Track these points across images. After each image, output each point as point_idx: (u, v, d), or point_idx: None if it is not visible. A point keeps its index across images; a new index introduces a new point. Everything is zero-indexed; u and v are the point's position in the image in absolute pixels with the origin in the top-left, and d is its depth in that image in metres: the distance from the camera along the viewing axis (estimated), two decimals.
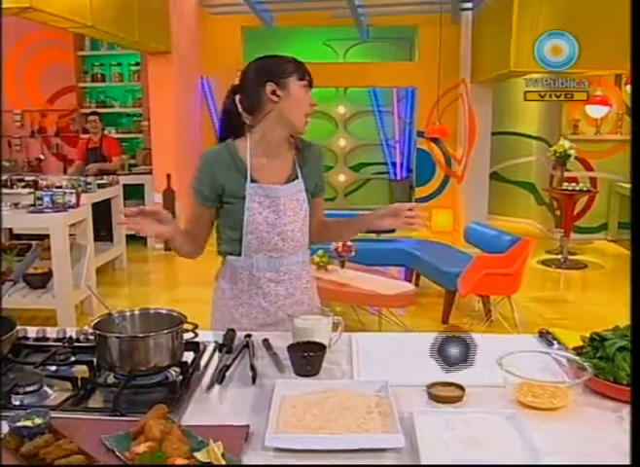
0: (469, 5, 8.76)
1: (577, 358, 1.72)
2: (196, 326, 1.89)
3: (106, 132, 9.09)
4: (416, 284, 6.24)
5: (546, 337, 2.08)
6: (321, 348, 1.82)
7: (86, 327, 1.81)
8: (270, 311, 2.27)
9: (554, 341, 2.02)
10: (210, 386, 1.72)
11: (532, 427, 1.46)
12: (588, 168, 9.03)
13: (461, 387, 1.66)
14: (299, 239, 2.24)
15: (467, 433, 1.45)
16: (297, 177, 2.23)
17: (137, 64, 9.30)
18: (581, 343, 1.85)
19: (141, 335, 1.75)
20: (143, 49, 8.13)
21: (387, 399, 1.58)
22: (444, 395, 1.64)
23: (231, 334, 2.04)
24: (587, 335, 1.84)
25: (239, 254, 2.24)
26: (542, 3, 6.89)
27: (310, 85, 2.14)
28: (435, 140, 10.07)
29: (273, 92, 2.09)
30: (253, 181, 2.17)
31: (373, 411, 1.54)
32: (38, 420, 1.42)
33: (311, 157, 2.29)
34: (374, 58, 11.06)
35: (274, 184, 2.18)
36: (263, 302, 2.26)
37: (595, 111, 8.75)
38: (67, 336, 2.01)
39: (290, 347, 1.83)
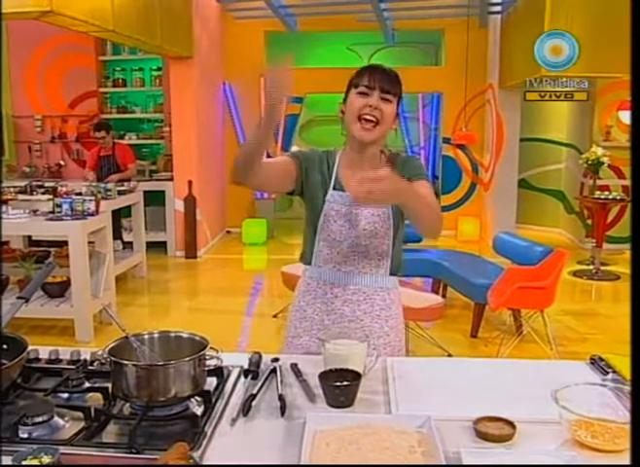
0: (497, 9, 8.60)
1: None
2: (219, 351, 1.74)
3: (126, 139, 9.08)
4: (443, 295, 6.08)
5: (598, 364, 1.90)
6: (356, 377, 1.66)
7: (100, 351, 1.67)
8: (332, 332, 2.00)
9: (609, 370, 1.84)
10: (235, 419, 1.57)
11: None
12: (621, 176, 8.80)
13: (511, 423, 1.50)
14: (374, 258, 2.12)
15: None
16: None
17: (159, 69, 9.23)
18: None
19: (160, 363, 1.61)
20: (165, 53, 8.05)
21: (430, 436, 1.43)
22: (494, 433, 1.48)
23: (256, 357, 1.90)
24: None
25: (311, 262, 2.16)
26: (574, 7, 6.76)
27: (370, 88, 2.01)
28: (461, 147, 9.93)
29: (341, 109, 2.11)
30: (336, 189, 2.12)
31: (416, 450, 1.39)
32: (46, 459, 1.29)
33: (401, 166, 2.12)
34: (399, 63, 10.88)
35: None
36: (326, 319, 2.15)
37: (629, 117, 8.51)
38: (81, 358, 1.88)
39: (322, 376, 1.68)
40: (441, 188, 10.45)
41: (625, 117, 8.63)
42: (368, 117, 2.00)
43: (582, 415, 1.46)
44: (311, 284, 2.17)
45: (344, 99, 2.09)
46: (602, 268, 7.64)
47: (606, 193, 7.66)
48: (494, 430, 1.49)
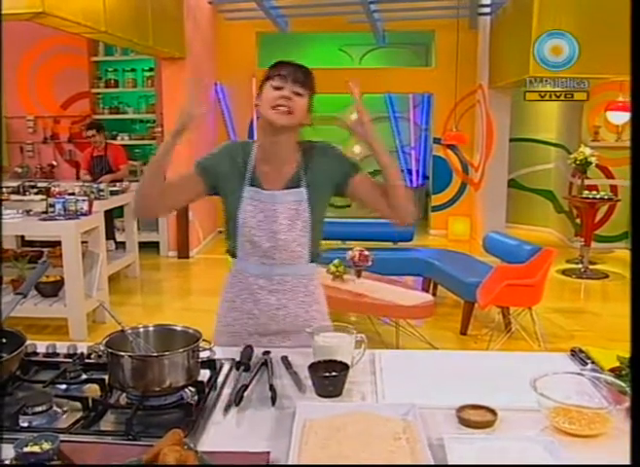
0: (487, 10, 8.67)
1: (617, 381, 1.62)
2: (212, 343, 1.80)
3: (118, 139, 9.11)
4: (434, 294, 6.14)
5: (578, 355, 1.97)
6: (344, 368, 1.73)
7: (97, 344, 1.73)
8: (261, 321, 2.21)
9: (588, 361, 1.91)
10: (227, 408, 1.63)
11: (570, 456, 1.37)
12: (609, 176, 8.90)
13: (492, 411, 1.57)
14: (294, 250, 2.17)
15: (503, 463, 1.35)
16: (298, 185, 2.16)
17: (151, 70, 9.26)
18: (617, 364, 1.75)
19: (155, 354, 1.67)
20: (157, 54, 8.09)
21: (415, 424, 1.49)
22: (476, 420, 1.54)
23: (248, 351, 1.96)
24: (623, 354, 1.73)
25: (236, 256, 2.23)
26: (563, 8, 6.84)
27: (283, 78, 2.06)
28: (451, 147, 10.00)
29: (255, 103, 2.17)
30: (252, 185, 2.16)
31: (401, 437, 1.45)
32: (46, 445, 1.34)
33: (319, 156, 2.21)
34: (390, 64, 10.98)
35: (272, 190, 2.15)
36: (254, 309, 2.22)
37: (616, 117, 8.60)
38: (78, 352, 1.94)
39: (311, 367, 1.74)
40: (431, 188, 10.54)
41: (613, 117, 8.70)
42: (281, 107, 2.05)
43: (559, 402, 1.52)
44: (237, 276, 2.24)
45: (258, 94, 2.13)
46: (590, 266, 7.72)
47: (594, 192, 7.72)
48: (476, 417, 1.55)
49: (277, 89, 2.06)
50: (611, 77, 7.18)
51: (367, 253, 5.09)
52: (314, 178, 2.17)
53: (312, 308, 2.26)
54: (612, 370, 1.73)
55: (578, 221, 8.85)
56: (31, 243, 7.33)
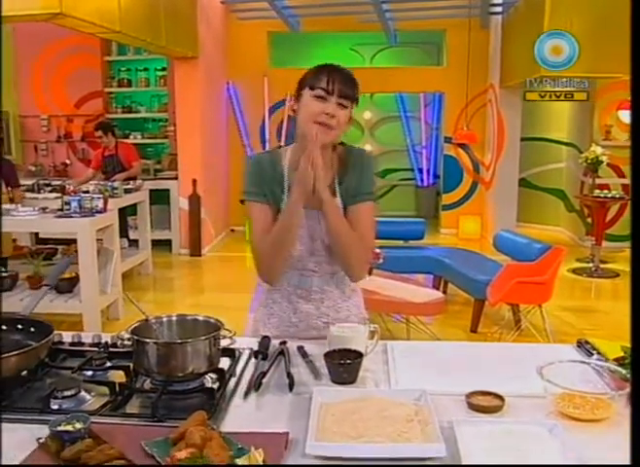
0: (498, 9, 8.71)
1: (619, 369, 1.69)
2: (234, 333, 1.87)
3: (131, 138, 9.21)
4: (444, 291, 6.20)
5: (584, 347, 2.04)
6: (358, 356, 1.80)
7: (123, 332, 1.80)
8: (300, 327, 2.21)
9: (594, 352, 1.97)
10: (247, 393, 1.71)
11: (574, 439, 1.43)
12: (620, 175, 8.91)
13: (500, 397, 1.63)
14: (334, 263, 2.16)
15: (509, 444, 1.42)
16: (334, 196, 2.08)
17: (164, 69, 9.35)
18: (621, 354, 1.81)
19: (179, 341, 1.74)
20: (170, 54, 8.17)
21: (426, 408, 1.55)
22: (484, 404, 1.61)
23: (265, 341, 2.03)
24: (629, 345, 1.80)
25: None
26: (574, 7, 6.87)
27: (329, 92, 1.94)
28: (462, 146, 10.04)
29: (292, 107, 2.07)
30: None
31: (413, 419, 1.52)
32: (78, 425, 1.42)
33: (352, 163, 2.11)
34: (401, 63, 11.03)
35: (312, 206, 2.02)
36: (292, 317, 2.22)
37: (628, 116, 8.61)
38: (102, 341, 2.01)
39: (326, 355, 1.81)
40: (442, 187, 10.59)
41: (625, 116, 8.72)
42: (323, 125, 1.95)
43: (564, 388, 1.59)
44: (276, 286, 2.22)
45: (296, 97, 2.04)
46: (601, 265, 7.75)
47: (605, 191, 7.73)
48: (484, 402, 1.62)
49: (319, 98, 1.96)
50: (620, 75, 7.20)
51: (378, 251, 5.14)
52: (347, 188, 2.10)
53: (350, 311, 2.26)
54: (616, 359, 1.80)
55: (589, 220, 8.88)
56: (45, 241, 7.43)
